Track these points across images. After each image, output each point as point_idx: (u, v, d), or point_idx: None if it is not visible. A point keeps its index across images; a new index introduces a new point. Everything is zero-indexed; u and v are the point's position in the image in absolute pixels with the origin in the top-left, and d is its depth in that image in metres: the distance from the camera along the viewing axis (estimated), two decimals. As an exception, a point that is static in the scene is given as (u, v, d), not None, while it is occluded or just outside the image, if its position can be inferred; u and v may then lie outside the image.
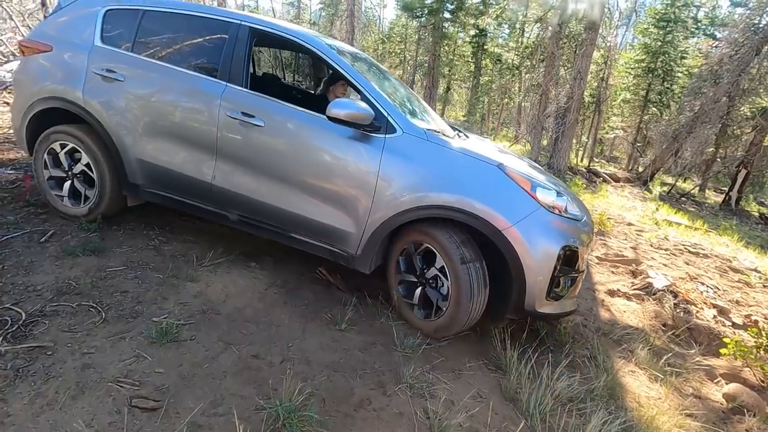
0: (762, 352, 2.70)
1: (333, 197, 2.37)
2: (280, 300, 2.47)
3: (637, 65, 18.18)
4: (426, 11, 17.33)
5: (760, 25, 12.46)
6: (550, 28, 12.67)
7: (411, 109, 2.78)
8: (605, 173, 14.72)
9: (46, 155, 2.81)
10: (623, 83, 19.34)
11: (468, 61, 21.36)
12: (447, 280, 2.20)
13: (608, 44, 18.47)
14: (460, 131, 3.10)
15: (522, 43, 19.22)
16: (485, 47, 19.65)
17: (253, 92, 2.49)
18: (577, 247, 2.21)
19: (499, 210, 2.10)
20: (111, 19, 2.77)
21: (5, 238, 2.57)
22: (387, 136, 2.27)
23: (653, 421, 2.02)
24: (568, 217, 2.25)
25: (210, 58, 2.65)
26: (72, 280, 2.26)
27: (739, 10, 14.89)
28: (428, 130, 2.38)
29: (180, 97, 2.61)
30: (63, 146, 2.78)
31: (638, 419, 2.02)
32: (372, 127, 2.25)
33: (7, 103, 6.09)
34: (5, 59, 6.54)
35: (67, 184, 2.85)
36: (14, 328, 1.85)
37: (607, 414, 1.93)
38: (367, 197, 2.28)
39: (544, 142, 15.39)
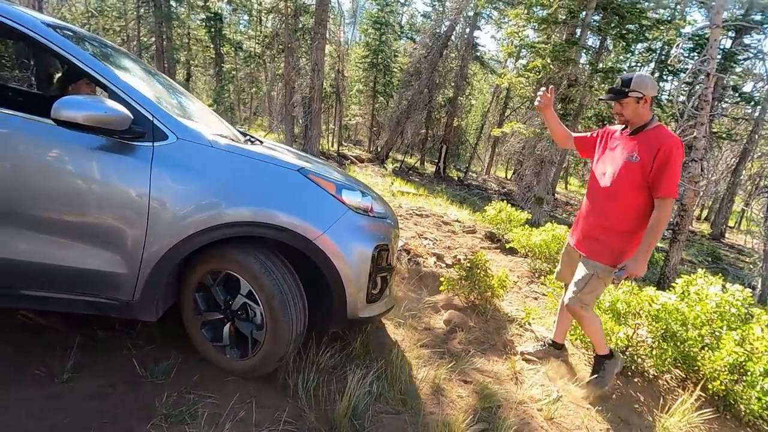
0: (463, 281, 3.62)
1: (87, 231, 1.80)
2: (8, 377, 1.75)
3: (363, 60, 20.93)
4: (144, -15, 15.08)
5: (441, 33, 16.27)
6: (284, 20, 13.08)
7: (184, 109, 2.30)
8: (352, 156, 16.61)
9: None
10: (356, 76, 21.99)
11: (207, 47, 19.94)
12: (258, 306, 1.90)
13: (338, 40, 20.54)
14: (251, 137, 2.77)
15: (261, 32, 19.23)
16: (223, 33, 18.72)
17: None
18: (387, 245, 2.19)
19: (306, 219, 1.90)
20: None
21: None
22: (156, 144, 1.80)
23: (399, 361, 2.44)
24: (375, 217, 2.20)
25: None
26: None
27: (428, 20, 19.00)
28: (211, 134, 1.98)
29: None
30: None
31: (388, 364, 2.40)
32: (132, 134, 1.75)
33: None
34: None
35: None
36: None
37: (364, 369, 2.20)
38: (137, 225, 1.78)
39: (297, 130, 16.09)
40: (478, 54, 17.69)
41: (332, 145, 20.70)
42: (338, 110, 19.23)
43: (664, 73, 15.91)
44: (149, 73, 2.49)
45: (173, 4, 16.12)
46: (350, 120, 24.41)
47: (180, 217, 1.81)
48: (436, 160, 18.65)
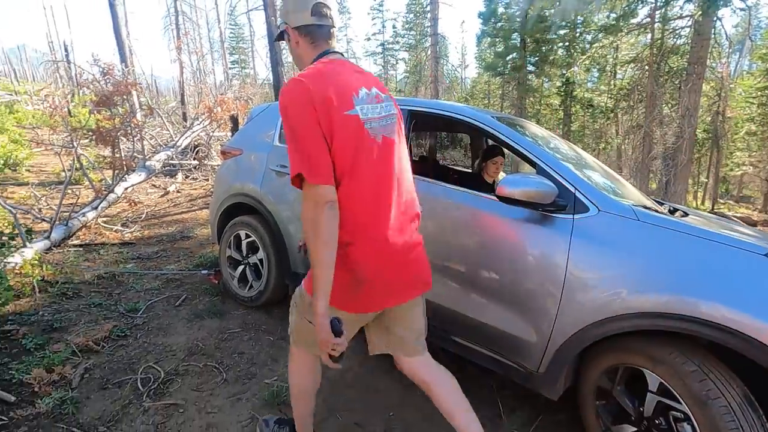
0: None
1: (504, 295, 1.92)
2: (380, 365, 2.48)
3: (760, 93, 16.12)
4: (509, 67, 17.62)
5: None
6: (646, 67, 11.98)
7: (600, 179, 2.22)
8: (736, 216, 12.75)
9: (232, 238, 3.14)
10: (745, 114, 17.15)
11: (556, 110, 20.88)
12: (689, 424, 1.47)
13: (719, 75, 16.79)
14: (675, 207, 2.47)
15: (615, 86, 18.34)
16: (574, 94, 19.10)
17: None
18: None
19: None
20: None
21: (151, 302, 3.03)
22: (576, 216, 1.76)
23: None
24: None
25: None
26: (199, 341, 2.55)
27: None
28: (634, 205, 1.79)
29: None
30: (247, 236, 3.05)
31: None
32: (554, 206, 1.77)
33: (155, 186, 7.38)
34: (154, 150, 8.04)
35: (240, 268, 3.13)
36: (155, 386, 2.12)
37: None
38: (551, 297, 1.76)
39: (653, 186, 14.00)
40: None
41: (702, 203, 16.73)
42: (715, 159, 15.47)
43: None
44: (567, 146, 2.65)
45: (529, 77, 17.99)
46: (732, 170, 19.07)
47: (596, 296, 1.64)
48: None
